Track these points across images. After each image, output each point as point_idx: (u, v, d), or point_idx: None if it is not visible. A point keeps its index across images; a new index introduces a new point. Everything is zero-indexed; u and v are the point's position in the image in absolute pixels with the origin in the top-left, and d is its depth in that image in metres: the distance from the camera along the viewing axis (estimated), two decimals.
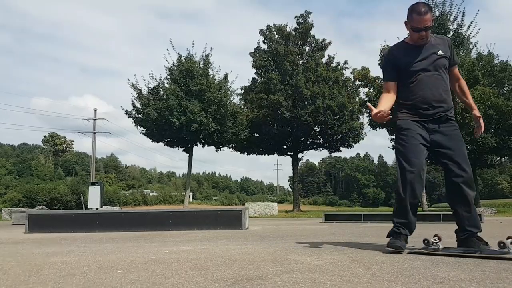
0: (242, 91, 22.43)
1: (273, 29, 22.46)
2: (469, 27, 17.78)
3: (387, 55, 2.88)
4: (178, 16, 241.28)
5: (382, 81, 3.05)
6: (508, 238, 2.36)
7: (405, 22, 2.75)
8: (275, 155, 24.17)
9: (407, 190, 2.59)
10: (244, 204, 27.93)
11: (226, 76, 19.09)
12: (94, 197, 15.18)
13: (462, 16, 17.75)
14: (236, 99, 20.90)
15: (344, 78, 22.27)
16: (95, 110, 32.43)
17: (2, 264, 2.36)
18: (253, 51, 22.81)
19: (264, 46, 22.67)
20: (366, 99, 20.75)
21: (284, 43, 22.00)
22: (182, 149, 19.47)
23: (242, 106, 21.05)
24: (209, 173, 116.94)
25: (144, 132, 18.58)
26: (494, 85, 22.09)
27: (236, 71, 66.89)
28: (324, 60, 22.75)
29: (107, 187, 42.85)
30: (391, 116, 2.62)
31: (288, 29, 22.35)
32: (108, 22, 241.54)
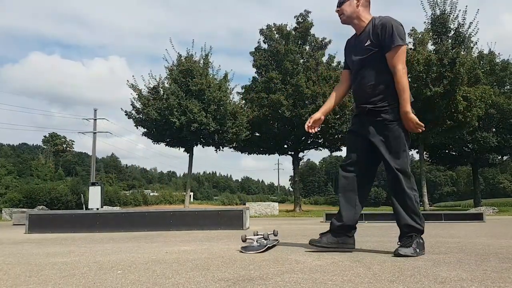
0: (243, 90, 22.46)
1: (273, 29, 22.47)
2: (470, 26, 17.73)
3: None
4: None
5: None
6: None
7: None
8: (276, 154, 24.19)
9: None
10: (245, 204, 27.96)
11: (226, 75, 19.12)
12: (94, 197, 15.17)
13: (463, 15, 17.71)
14: (236, 98, 20.95)
15: None
16: (95, 110, 32.50)
17: (3, 265, 2.36)
18: (253, 50, 22.84)
19: (265, 46, 22.69)
20: None
21: (284, 42, 21.99)
22: (182, 149, 19.47)
23: (243, 105, 21.06)
24: (209, 172, 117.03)
25: (144, 132, 18.61)
26: (495, 84, 22.09)
27: None
28: (324, 59, 22.75)
29: (107, 187, 42.84)
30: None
31: (288, 29, 22.35)
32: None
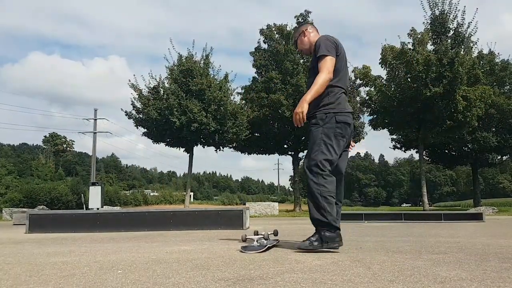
0: (243, 90, 22.45)
1: (273, 29, 22.46)
2: (469, 25, 17.70)
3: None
4: None
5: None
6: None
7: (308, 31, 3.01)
8: (276, 154, 24.20)
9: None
10: (245, 204, 27.95)
11: (226, 75, 19.12)
12: (94, 197, 15.17)
13: (462, 15, 17.69)
14: (237, 98, 20.94)
15: None
16: (95, 110, 32.49)
17: (3, 264, 2.36)
18: (253, 50, 22.84)
19: (265, 46, 22.68)
20: (367, 98, 20.71)
21: (284, 42, 21.98)
22: (182, 149, 19.46)
23: (243, 106, 21.04)
24: (209, 172, 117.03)
25: (144, 132, 18.60)
26: (495, 84, 22.05)
27: None
28: None
29: (107, 187, 42.82)
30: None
31: (288, 29, 22.34)
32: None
